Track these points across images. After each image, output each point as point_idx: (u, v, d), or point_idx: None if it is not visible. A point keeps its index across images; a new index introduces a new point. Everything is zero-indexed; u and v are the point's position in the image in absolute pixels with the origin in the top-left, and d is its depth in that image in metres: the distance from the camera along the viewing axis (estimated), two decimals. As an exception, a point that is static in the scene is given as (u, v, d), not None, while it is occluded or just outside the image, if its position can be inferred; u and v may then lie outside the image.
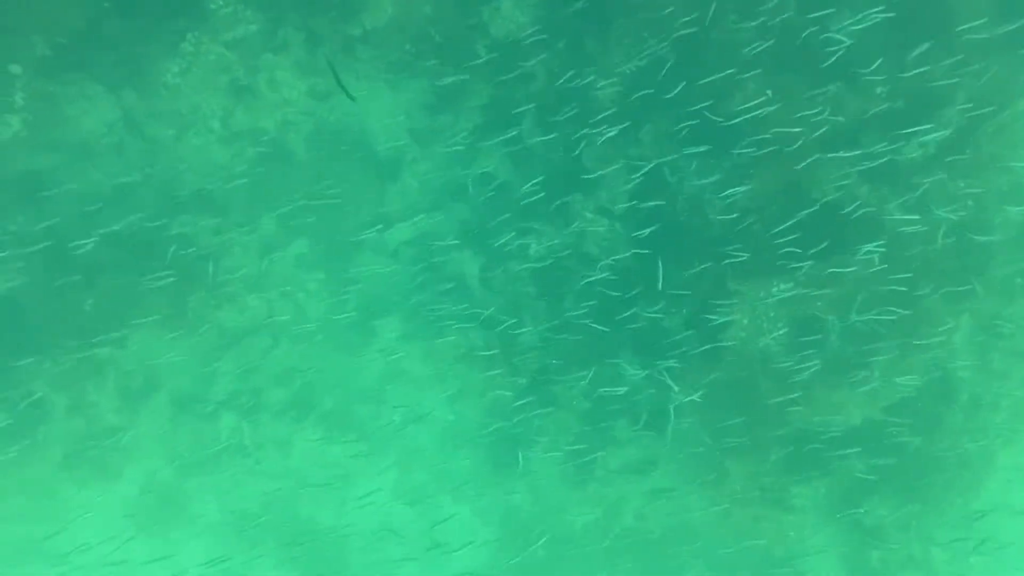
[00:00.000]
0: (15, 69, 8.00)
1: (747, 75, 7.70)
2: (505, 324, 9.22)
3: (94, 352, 8.73)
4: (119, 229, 8.70)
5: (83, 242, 8.49)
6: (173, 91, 8.65)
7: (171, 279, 8.63)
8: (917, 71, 7.50)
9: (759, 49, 7.56)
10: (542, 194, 8.99)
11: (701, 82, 7.93)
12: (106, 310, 8.55)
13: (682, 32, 8.05)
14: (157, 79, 8.56)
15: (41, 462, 8.87)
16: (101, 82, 8.47)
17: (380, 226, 9.49)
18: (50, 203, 8.56)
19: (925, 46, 7.47)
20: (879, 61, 7.54)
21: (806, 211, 7.58)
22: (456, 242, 9.43)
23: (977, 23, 7.40)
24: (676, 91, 7.95)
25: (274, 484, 9.46)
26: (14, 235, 8.39)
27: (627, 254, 8.71)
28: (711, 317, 8.05)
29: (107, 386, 8.91)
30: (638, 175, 8.44)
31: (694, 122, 7.94)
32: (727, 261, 7.93)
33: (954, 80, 7.51)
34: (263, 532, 9.49)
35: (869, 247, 7.59)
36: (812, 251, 7.62)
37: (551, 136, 8.94)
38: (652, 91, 8.28)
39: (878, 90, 7.60)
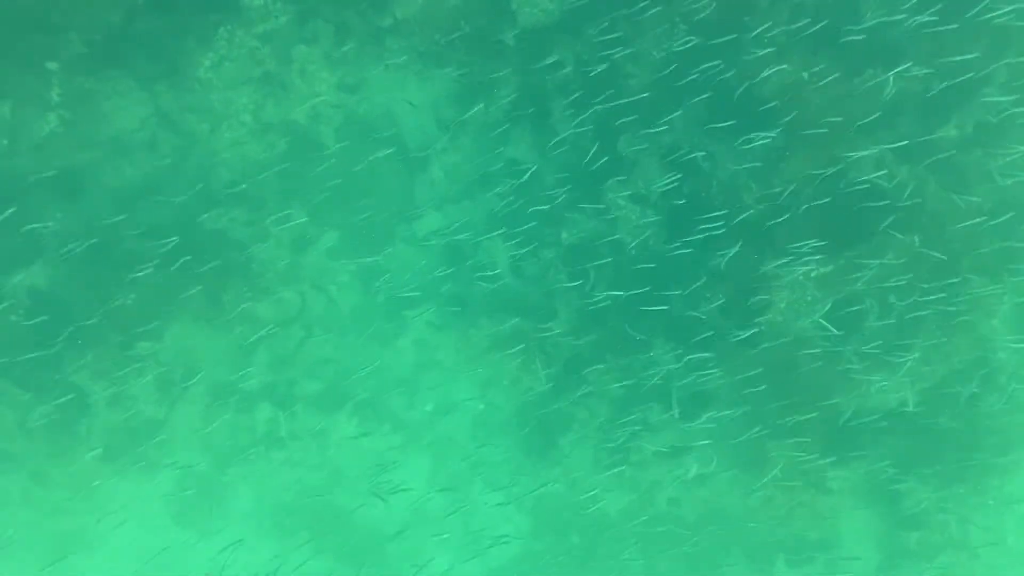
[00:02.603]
0: (52, 66, 8.08)
1: (783, 58, 7.67)
2: (537, 312, 9.26)
3: (134, 346, 8.83)
4: (155, 224, 8.78)
5: (121, 237, 8.59)
6: (206, 85, 8.71)
7: (207, 272, 8.72)
8: (955, 50, 7.46)
9: (794, 32, 7.52)
10: (573, 182, 9.01)
11: (735, 66, 7.90)
12: (144, 304, 8.63)
13: (715, 17, 8.01)
14: (190, 74, 8.62)
15: (83, 455, 8.98)
16: (136, 78, 8.54)
17: (410, 216, 9.54)
18: (87, 199, 8.65)
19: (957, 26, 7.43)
20: (914, 42, 7.50)
21: (844, 192, 7.56)
22: (486, 231, 9.45)
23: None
24: (710, 76, 7.92)
25: (309, 474, 9.54)
26: (54, 231, 8.49)
27: (660, 240, 8.71)
28: (747, 300, 8.05)
29: (146, 379, 9.00)
30: (671, 161, 8.43)
31: (728, 107, 7.91)
32: (763, 243, 7.93)
33: (993, 58, 7.45)
34: (299, 522, 9.57)
35: (902, 227, 7.58)
36: (850, 233, 7.60)
37: (582, 123, 8.93)
38: (685, 76, 8.27)
39: (914, 70, 7.55)
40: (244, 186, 9.08)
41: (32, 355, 8.51)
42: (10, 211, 8.22)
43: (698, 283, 8.54)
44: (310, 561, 9.54)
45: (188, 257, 8.67)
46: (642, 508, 9.45)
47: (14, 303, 8.49)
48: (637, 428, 9.27)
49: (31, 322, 8.46)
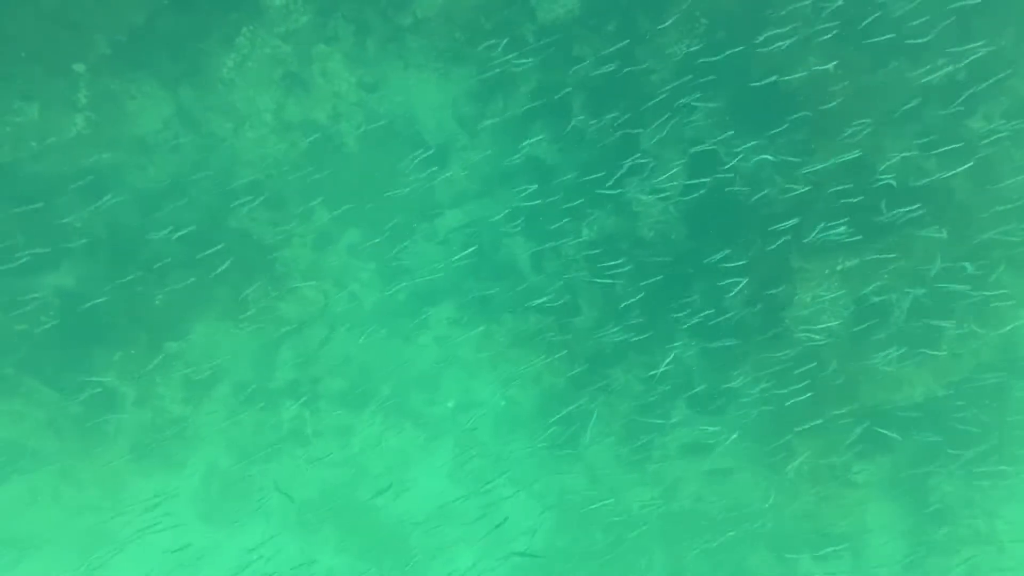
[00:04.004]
0: (79, 68, 8.14)
1: (805, 51, 7.63)
2: (558, 309, 9.26)
3: (161, 345, 8.91)
4: (179, 223, 8.83)
5: (147, 237, 8.66)
6: (229, 85, 8.76)
7: (231, 271, 8.77)
8: (976, 43, 7.40)
9: (818, 24, 7.48)
10: (593, 178, 8.99)
11: (758, 59, 7.86)
12: (171, 303, 8.71)
13: (736, 11, 7.98)
14: (213, 74, 8.67)
15: (111, 452, 9.08)
16: (160, 79, 8.59)
17: (431, 214, 9.56)
18: (114, 200, 8.71)
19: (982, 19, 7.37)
20: (939, 34, 7.44)
21: (870, 186, 7.52)
22: (507, 228, 9.46)
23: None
24: (732, 69, 7.88)
25: (334, 471, 9.60)
26: (80, 232, 8.57)
27: (682, 235, 8.69)
28: (772, 295, 8.02)
29: (173, 377, 9.08)
30: (693, 155, 8.41)
31: (751, 100, 7.88)
32: (788, 238, 7.89)
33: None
34: (323, 518, 9.63)
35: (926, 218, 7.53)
36: (877, 226, 7.56)
37: (602, 119, 8.92)
38: (707, 70, 8.23)
39: (939, 61, 7.50)
40: (267, 185, 9.13)
41: (60, 355, 8.60)
42: (38, 212, 8.30)
43: (721, 278, 8.52)
44: (334, 557, 9.60)
45: (213, 256, 8.72)
46: (665, 503, 9.45)
47: (43, 303, 8.57)
48: (660, 424, 9.26)
49: (59, 322, 8.55)
